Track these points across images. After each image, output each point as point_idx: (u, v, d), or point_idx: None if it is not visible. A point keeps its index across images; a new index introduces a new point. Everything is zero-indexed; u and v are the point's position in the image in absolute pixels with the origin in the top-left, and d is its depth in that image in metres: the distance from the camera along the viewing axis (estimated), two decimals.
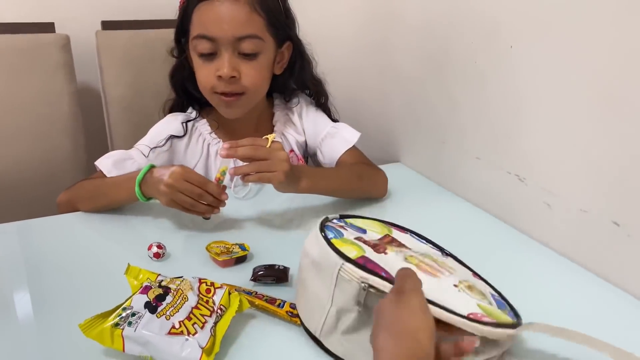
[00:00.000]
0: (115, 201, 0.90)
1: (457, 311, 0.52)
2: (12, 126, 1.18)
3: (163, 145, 0.99)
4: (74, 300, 0.67)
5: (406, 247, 0.65)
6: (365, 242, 0.62)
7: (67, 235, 0.86)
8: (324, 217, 0.66)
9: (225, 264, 0.75)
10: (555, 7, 0.77)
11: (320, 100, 1.10)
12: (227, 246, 0.78)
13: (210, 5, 0.88)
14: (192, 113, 1.05)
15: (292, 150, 1.08)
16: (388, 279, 0.54)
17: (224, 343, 0.59)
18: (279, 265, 0.73)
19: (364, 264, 0.56)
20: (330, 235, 0.61)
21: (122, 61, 1.25)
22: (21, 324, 0.64)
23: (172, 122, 1.03)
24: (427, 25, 1.05)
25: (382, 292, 0.54)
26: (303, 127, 1.09)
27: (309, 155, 1.13)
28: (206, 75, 0.92)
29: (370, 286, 0.54)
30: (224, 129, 1.04)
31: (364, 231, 0.66)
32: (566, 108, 0.78)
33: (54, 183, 1.22)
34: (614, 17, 0.69)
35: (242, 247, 0.78)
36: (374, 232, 0.67)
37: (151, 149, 0.98)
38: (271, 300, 0.66)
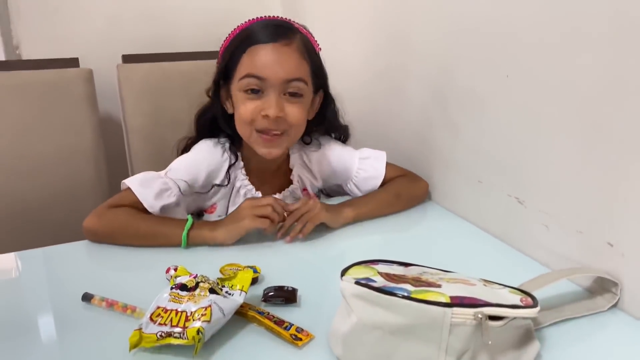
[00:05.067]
0: (150, 243, 0.91)
1: (515, 303, 0.57)
2: (39, 155, 1.23)
3: (207, 192, 1.03)
4: (97, 326, 0.69)
5: (410, 276, 0.63)
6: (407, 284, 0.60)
7: (90, 261, 0.89)
8: (353, 282, 0.60)
9: None
10: (547, 39, 0.81)
11: (341, 139, 1.14)
12: (239, 268, 0.82)
13: (264, 49, 0.92)
14: (225, 143, 1.04)
15: (305, 189, 1.11)
16: (490, 304, 0.55)
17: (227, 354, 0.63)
18: (287, 287, 0.77)
19: (461, 302, 0.56)
20: (400, 292, 0.57)
21: (142, 92, 1.30)
22: (45, 349, 0.66)
23: (212, 153, 1.02)
24: (431, 54, 1.10)
25: (500, 317, 0.55)
26: (320, 173, 1.12)
27: (326, 192, 1.18)
28: (249, 110, 0.94)
29: (490, 317, 0.55)
30: (247, 168, 1.05)
31: (373, 280, 0.61)
32: (559, 135, 0.81)
33: (77, 208, 1.24)
34: (599, 49, 0.73)
35: (254, 269, 0.81)
36: (377, 277, 0.62)
37: (189, 186, 0.99)
38: (279, 322, 0.70)
